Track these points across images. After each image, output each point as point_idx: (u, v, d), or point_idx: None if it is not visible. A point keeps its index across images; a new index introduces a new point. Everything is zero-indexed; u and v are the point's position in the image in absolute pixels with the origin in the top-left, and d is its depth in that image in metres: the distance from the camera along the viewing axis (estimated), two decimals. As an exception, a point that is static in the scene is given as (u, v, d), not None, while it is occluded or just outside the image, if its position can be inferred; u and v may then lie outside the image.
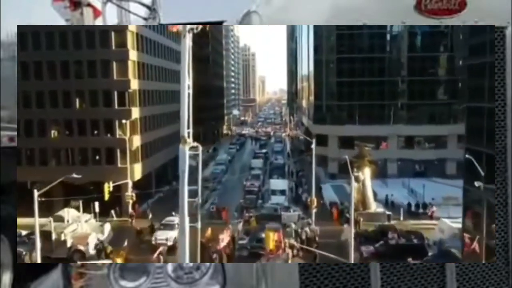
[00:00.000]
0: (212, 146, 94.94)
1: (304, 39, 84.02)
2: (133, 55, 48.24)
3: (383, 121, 63.42)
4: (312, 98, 74.88)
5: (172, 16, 14.49)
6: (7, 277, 14.34)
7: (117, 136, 46.95)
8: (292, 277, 11.96)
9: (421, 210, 46.35)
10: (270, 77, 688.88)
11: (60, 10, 13.02)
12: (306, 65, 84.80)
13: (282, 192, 50.69)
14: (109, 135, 47.48)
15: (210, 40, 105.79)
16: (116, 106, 47.03)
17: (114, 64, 46.81)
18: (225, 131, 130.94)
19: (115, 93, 46.92)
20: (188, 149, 17.11)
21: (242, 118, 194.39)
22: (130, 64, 47.54)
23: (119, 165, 46.83)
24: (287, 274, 12.04)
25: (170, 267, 12.37)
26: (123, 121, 46.61)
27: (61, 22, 13.46)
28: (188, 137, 17.11)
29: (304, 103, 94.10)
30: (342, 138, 64.10)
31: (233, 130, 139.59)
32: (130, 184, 45.07)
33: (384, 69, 63.51)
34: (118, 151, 46.84)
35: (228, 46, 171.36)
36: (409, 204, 47.57)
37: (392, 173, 61.09)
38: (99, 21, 13.56)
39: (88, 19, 12.99)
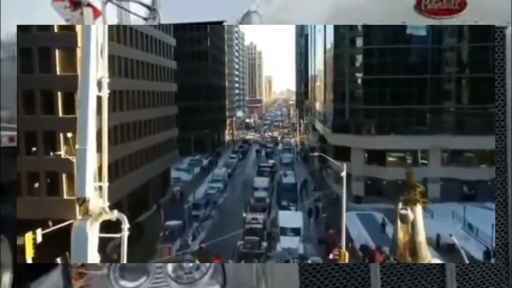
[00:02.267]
0: (208, 158, 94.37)
1: (320, 31, 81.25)
2: (85, 41, 42.27)
3: (424, 131, 57.65)
4: (330, 100, 70.42)
5: (172, 16, 17.22)
6: (7, 277, 16.94)
7: (63, 155, 38.32)
8: (292, 277, 14.38)
9: (493, 260, 35.58)
10: (277, 77, 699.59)
11: (60, 10, 15.70)
12: (321, 61, 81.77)
13: (295, 231, 43.61)
14: (51, 153, 40.14)
15: (209, 33, 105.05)
16: (60, 113, 39.39)
17: (57, 53, 39.25)
18: (227, 136, 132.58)
19: (59, 94, 39.29)
20: (99, 225, 12.81)
21: (247, 120, 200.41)
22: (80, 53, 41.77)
23: (65, 196, 39.50)
24: (287, 274, 14.47)
25: (170, 267, 15.03)
26: (69, 134, 35.84)
27: (61, 22, 16.23)
28: (100, 195, 12.64)
29: (318, 106, 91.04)
30: (371, 152, 59.58)
31: (236, 135, 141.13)
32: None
33: (425, 64, 57.80)
34: (64, 176, 39.40)
35: (232, 43, 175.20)
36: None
37: (434, 196, 52.48)
38: (99, 21, 16.32)
39: (88, 19, 15.69)
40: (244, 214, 47.53)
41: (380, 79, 58.76)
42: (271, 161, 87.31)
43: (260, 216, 46.54)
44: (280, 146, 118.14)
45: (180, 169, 78.87)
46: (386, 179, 56.04)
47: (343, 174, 35.54)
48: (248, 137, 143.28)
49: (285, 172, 72.12)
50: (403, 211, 33.27)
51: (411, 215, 35.48)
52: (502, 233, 15.01)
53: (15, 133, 19.71)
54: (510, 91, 14.99)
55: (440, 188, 56.52)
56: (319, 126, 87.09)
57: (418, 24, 15.40)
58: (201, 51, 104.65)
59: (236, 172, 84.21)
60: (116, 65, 46.38)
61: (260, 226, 44.64)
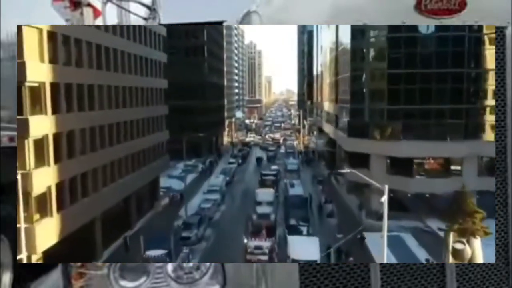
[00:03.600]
0: (207, 160, 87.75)
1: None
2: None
3: (458, 135, 48.62)
4: (343, 100, 61.60)
5: (172, 16, 17.35)
6: (7, 277, 17.15)
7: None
8: (292, 277, 14.55)
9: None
10: (277, 76, 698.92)
11: (60, 10, 15.88)
12: (331, 57, 74.21)
13: None
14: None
15: (206, 27, 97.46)
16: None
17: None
18: (225, 139, 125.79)
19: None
20: None
21: (247, 121, 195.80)
22: (29, 34, 29.37)
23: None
24: (287, 274, 14.63)
25: (170, 267, 15.10)
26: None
27: (61, 22, 16.36)
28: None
29: (327, 106, 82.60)
30: (394, 160, 50.34)
31: (235, 137, 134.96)
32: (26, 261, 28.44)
33: (461, 56, 48.19)
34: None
35: (231, 39, 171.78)
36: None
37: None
38: (99, 21, 16.45)
39: (88, 19, 15.85)
40: (245, 241, 39.11)
41: (408, 74, 49.47)
42: (274, 167, 79.53)
43: (266, 244, 38.50)
44: (282, 149, 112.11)
45: (173, 177, 69.29)
46: (412, 191, 49.31)
47: (384, 199, 24.84)
48: (248, 139, 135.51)
49: (291, 182, 62.80)
50: (458, 245, 26.69)
51: (468, 251, 28.03)
52: (502, 233, 15.13)
53: (15, 133, 19.86)
54: (510, 91, 15.09)
55: (476, 203, 43.85)
56: (328, 128, 78.75)
57: (418, 23, 15.39)
58: (197, 46, 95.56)
59: (235, 179, 75.91)
60: (86, 53, 37.24)
61: (265, 258, 37.07)
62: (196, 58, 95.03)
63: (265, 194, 55.77)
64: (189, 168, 77.44)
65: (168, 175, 68.00)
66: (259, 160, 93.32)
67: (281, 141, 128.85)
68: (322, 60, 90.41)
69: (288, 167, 79.05)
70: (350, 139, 55.88)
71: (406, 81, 49.54)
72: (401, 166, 49.51)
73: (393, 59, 50.17)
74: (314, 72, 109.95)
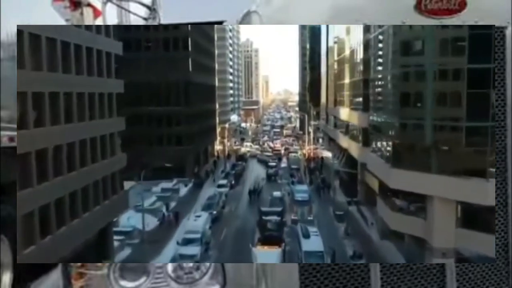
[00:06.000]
0: (188, 183, 71.77)
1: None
2: None
3: None
4: (382, 108, 41.76)
5: (172, 16, 17.46)
6: (7, 277, 17.32)
7: None
8: (292, 277, 14.73)
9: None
10: (275, 76, 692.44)
11: (60, 10, 16.06)
12: (351, 49, 61.80)
13: None
14: None
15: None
16: None
17: None
18: (217, 148, 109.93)
19: None
20: None
21: (243, 125, 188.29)
22: None
23: None
24: (287, 274, 14.80)
25: (170, 267, 15.17)
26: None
27: (61, 22, 16.49)
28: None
29: (345, 113, 65.62)
30: (470, 207, 32.22)
31: (229, 145, 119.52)
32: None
33: None
34: None
35: (224, 35, 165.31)
36: None
37: None
38: (99, 21, 16.57)
39: (88, 19, 16.01)
40: None
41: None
42: (276, 195, 61.73)
43: None
44: (284, 162, 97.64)
45: (141, 210, 47.86)
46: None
47: None
48: (243, 149, 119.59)
49: (305, 229, 43.38)
50: None
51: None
52: (502, 233, 15.25)
53: (15, 133, 19.98)
54: (510, 91, 15.19)
55: None
56: (347, 144, 63.11)
57: (418, 23, 15.43)
58: (179, 37, 78.60)
59: (225, 210, 57.60)
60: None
61: None
62: (178, 52, 78.63)
63: (267, 256, 37.10)
64: (167, 194, 60.93)
65: (136, 208, 50.37)
66: (252, 194, 66.22)
67: (282, 151, 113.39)
68: (338, 53, 75.24)
69: (297, 197, 61.38)
70: (397, 171, 36.35)
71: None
72: (480, 217, 32.16)
73: (477, 48, 30.81)
74: (323, 69, 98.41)
